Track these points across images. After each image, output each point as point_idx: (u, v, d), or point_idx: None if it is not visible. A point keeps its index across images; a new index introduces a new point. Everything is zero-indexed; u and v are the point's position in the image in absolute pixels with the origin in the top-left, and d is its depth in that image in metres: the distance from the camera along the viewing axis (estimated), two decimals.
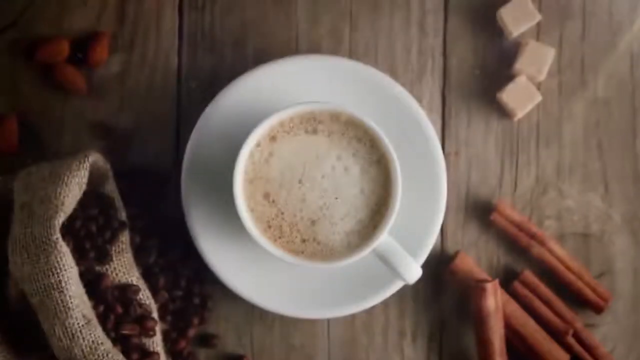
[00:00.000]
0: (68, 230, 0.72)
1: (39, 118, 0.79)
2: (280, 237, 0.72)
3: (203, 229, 0.75)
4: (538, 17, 0.79)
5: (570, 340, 0.78)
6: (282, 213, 0.72)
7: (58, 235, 0.69)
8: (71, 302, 0.68)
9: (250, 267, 0.76)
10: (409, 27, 0.80)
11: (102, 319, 0.72)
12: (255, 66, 0.76)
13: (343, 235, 0.72)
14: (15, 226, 0.70)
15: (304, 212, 0.72)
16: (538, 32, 0.81)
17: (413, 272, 0.72)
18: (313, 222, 0.72)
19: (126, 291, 0.73)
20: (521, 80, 0.79)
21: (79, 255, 0.72)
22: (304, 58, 0.77)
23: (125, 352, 0.72)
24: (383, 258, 0.72)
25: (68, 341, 0.68)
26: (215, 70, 0.80)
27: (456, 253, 0.79)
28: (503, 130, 0.80)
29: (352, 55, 0.80)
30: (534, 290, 0.79)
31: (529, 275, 0.79)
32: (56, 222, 0.69)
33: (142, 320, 0.73)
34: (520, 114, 0.79)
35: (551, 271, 0.79)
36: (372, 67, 0.76)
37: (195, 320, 0.78)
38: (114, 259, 0.74)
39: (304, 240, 0.72)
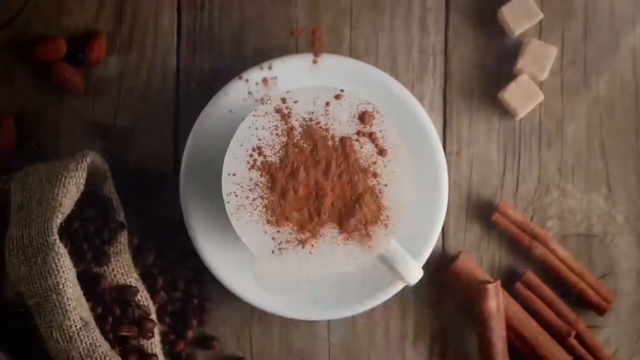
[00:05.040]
0: (66, 231, 0.72)
1: (36, 118, 0.79)
2: None
3: (202, 230, 0.75)
4: (540, 15, 0.79)
5: (573, 342, 0.78)
6: None
7: (56, 236, 0.69)
8: (69, 304, 0.68)
9: (249, 268, 0.75)
10: (410, 25, 0.80)
11: (100, 321, 0.72)
12: (254, 65, 0.76)
13: None
14: (12, 227, 0.70)
15: None
16: (540, 30, 0.80)
17: (414, 273, 0.71)
18: None
19: (124, 292, 0.73)
20: (523, 79, 0.78)
21: (77, 256, 0.72)
22: (303, 57, 0.76)
23: (123, 354, 0.72)
24: (384, 259, 0.71)
25: (65, 343, 0.68)
26: (214, 70, 0.79)
27: (458, 254, 0.79)
28: (505, 130, 0.80)
29: (352, 54, 0.80)
30: (536, 292, 0.78)
31: (531, 276, 0.79)
32: (54, 224, 0.69)
33: (141, 322, 0.73)
34: (522, 114, 0.79)
35: (554, 272, 0.79)
36: (372, 66, 0.76)
37: (194, 322, 0.77)
38: (112, 260, 0.74)
39: None
